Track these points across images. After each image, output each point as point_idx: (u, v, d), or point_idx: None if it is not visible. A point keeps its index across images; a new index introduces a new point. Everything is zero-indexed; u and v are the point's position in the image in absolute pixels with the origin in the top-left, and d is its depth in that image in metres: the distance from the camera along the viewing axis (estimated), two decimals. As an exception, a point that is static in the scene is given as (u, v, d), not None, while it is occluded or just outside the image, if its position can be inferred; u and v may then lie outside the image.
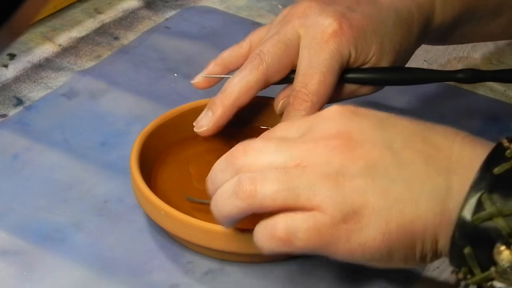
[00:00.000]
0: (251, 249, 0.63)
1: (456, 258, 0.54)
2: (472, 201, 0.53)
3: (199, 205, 0.68)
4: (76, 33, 0.92)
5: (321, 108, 0.69)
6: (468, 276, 0.54)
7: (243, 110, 0.71)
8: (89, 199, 0.71)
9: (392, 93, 0.83)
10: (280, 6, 0.99)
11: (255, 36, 0.73)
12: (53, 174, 0.73)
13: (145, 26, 0.94)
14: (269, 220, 0.56)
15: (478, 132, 0.80)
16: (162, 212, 0.64)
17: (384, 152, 0.55)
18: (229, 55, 0.73)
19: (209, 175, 0.59)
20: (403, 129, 0.57)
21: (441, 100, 0.85)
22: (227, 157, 0.58)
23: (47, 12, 0.93)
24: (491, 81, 0.80)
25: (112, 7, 0.97)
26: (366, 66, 0.72)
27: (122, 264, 0.65)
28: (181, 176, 0.71)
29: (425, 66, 0.90)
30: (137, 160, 0.68)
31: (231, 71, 0.73)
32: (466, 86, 0.87)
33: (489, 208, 0.52)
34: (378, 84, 0.73)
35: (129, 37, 0.92)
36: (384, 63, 0.72)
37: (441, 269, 0.66)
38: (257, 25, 0.94)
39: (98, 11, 0.96)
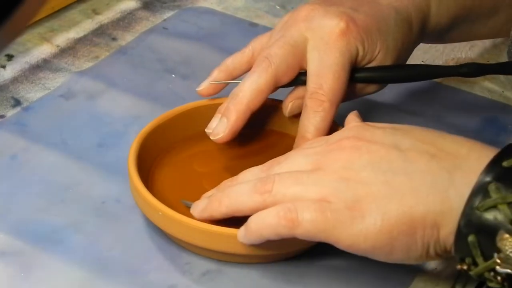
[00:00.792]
0: (249, 250, 0.63)
1: (460, 247, 0.56)
2: (479, 190, 0.55)
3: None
4: (74, 34, 0.92)
5: (338, 107, 0.70)
6: (472, 267, 0.56)
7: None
8: (86, 200, 0.71)
9: (390, 93, 0.83)
10: (277, 7, 0.99)
11: (257, 43, 0.74)
12: (50, 175, 0.73)
13: (143, 27, 0.94)
14: (278, 206, 0.59)
15: (476, 132, 0.80)
16: (160, 213, 0.64)
17: (390, 150, 0.59)
18: (232, 61, 0.74)
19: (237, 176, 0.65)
20: (413, 135, 0.60)
21: (439, 101, 0.85)
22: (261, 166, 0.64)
23: (45, 13, 0.93)
24: (495, 73, 0.81)
25: (110, 8, 0.97)
26: (372, 64, 0.72)
27: (120, 265, 0.65)
28: (179, 177, 0.71)
29: (422, 66, 0.90)
30: (135, 161, 0.68)
31: (235, 77, 0.73)
32: (463, 87, 0.87)
33: (494, 196, 0.54)
34: (387, 82, 0.75)
35: (127, 38, 0.92)
36: (389, 61, 0.73)
37: (438, 270, 0.66)
38: (254, 26, 0.94)
39: (96, 12, 0.96)
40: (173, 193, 0.69)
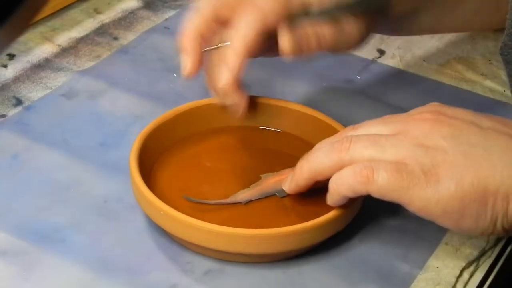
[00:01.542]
0: (251, 249, 0.63)
1: None
2: None
3: (198, 205, 0.68)
4: (75, 33, 0.92)
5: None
6: None
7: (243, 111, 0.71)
8: (88, 199, 0.71)
9: (392, 92, 0.83)
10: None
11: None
12: (52, 174, 0.73)
13: (144, 26, 0.94)
14: (356, 164, 0.61)
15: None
16: (162, 212, 0.64)
17: (471, 126, 0.61)
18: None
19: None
20: (494, 118, 0.63)
21: (440, 100, 0.84)
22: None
23: (46, 12, 0.93)
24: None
25: (111, 7, 0.97)
26: None
27: (121, 264, 0.65)
28: (180, 176, 0.71)
29: (424, 65, 0.90)
30: (137, 160, 0.68)
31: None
32: (464, 86, 0.87)
33: None
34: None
35: (128, 37, 0.92)
36: None
37: (439, 269, 0.66)
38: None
39: (97, 11, 0.96)
40: (174, 192, 0.69)
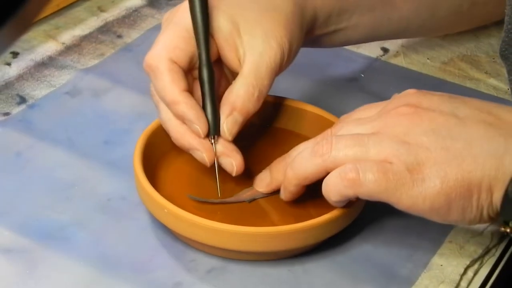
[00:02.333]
0: (254, 247, 0.63)
1: (507, 210, 0.59)
2: None
3: (202, 204, 0.68)
4: (79, 31, 0.92)
5: None
6: None
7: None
8: (92, 197, 0.71)
9: (395, 90, 0.83)
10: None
11: None
12: (56, 172, 0.73)
13: (148, 24, 0.94)
14: (341, 167, 0.61)
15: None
16: (165, 210, 0.64)
17: (449, 117, 0.61)
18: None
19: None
20: (470, 104, 0.62)
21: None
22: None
23: (50, 10, 0.93)
24: None
25: (115, 5, 0.97)
26: None
27: (125, 262, 0.65)
28: (184, 175, 0.71)
29: (428, 63, 0.90)
30: (141, 158, 0.68)
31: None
32: (468, 84, 0.87)
33: None
34: None
35: (132, 35, 0.92)
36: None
37: (443, 267, 0.66)
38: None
39: (101, 10, 0.96)
40: (178, 190, 0.69)
